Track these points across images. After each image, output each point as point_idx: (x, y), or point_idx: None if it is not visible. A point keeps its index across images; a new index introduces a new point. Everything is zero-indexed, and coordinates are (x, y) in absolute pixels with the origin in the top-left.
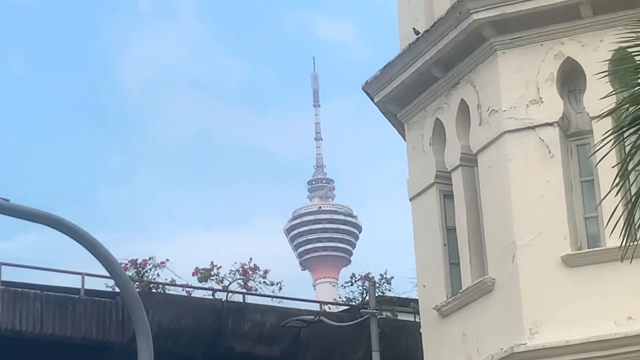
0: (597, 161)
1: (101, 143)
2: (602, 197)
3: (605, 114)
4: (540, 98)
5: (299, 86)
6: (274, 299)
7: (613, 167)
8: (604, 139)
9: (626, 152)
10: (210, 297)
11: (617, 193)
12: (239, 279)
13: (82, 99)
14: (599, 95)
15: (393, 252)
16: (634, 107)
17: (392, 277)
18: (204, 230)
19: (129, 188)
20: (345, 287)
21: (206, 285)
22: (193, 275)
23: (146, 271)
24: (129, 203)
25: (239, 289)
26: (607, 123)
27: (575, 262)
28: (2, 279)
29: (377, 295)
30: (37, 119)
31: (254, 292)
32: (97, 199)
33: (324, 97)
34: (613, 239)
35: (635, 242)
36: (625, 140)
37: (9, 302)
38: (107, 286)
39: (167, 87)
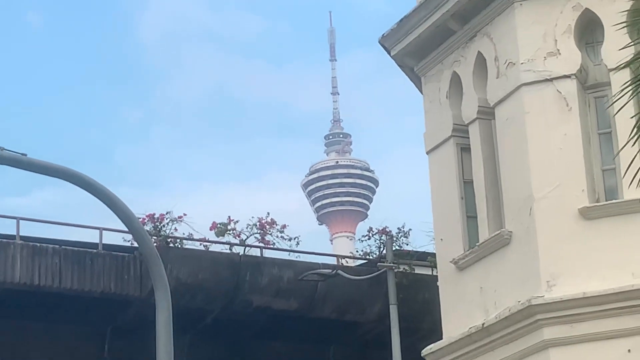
0: (615, 112)
1: (118, 99)
2: (620, 148)
3: (623, 65)
4: (558, 50)
5: (316, 40)
6: (292, 253)
7: (631, 117)
8: (622, 91)
9: None
10: (228, 251)
11: (635, 143)
12: (257, 233)
13: (99, 54)
14: (617, 47)
15: (410, 206)
16: None
17: (410, 230)
18: (220, 185)
19: (145, 144)
20: (362, 241)
21: (223, 240)
22: (210, 229)
23: (164, 226)
24: (145, 159)
25: (257, 244)
26: (625, 75)
27: (592, 214)
28: (20, 234)
29: (394, 249)
30: (54, 75)
31: (271, 246)
32: (114, 155)
33: (341, 51)
34: (631, 191)
35: None
36: None
37: (28, 257)
38: (125, 240)
39: (184, 42)
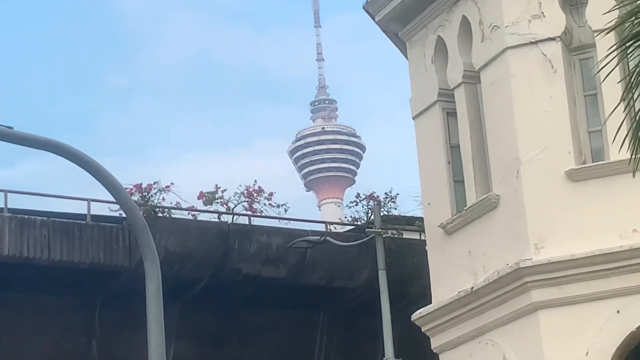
0: (602, 79)
1: (101, 66)
2: (606, 111)
3: (608, 29)
4: (542, 13)
5: (300, 3)
6: (280, 220)
7: (619, 82)
8: (608, 55)
9: (630, 66)
10: (216, 220)
11: (625, 108)
12: (244, 201)
13: (81, 21)
14: (601, 8)
15: (397, 171)
16: (638, 20)
17: (397, 194)
18: (206, 153)
19: (129, 112)
20: (350, 207)
21: (211, 209)
22: (198, 199)
23: (151, 196)
24: (128, 128)
25: (244, 212)
26: (610, 36)
27: (579, 176)
28: (8, 206)
29: (382, 214)
30: (35, 41)
31: (259, 214)
32: (98, 124)
33: (325, 15)
34: (617, 152)
35: None
36: (629, 54)
37: (16, 229)
38: (111, 210)
39: (167, 6)
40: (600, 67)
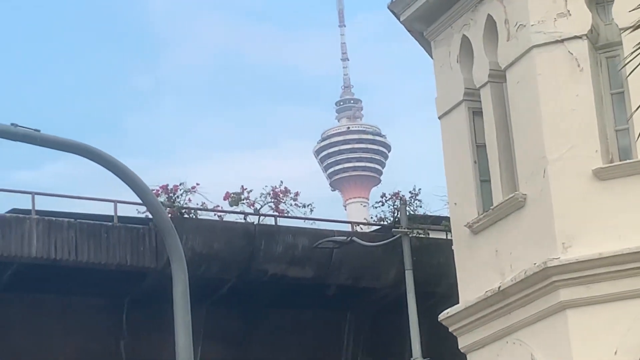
0: (628, 74)
1: (127, 67)
2: (633, 109)
3: (635, 26)
4: (568, 11)
5: (324, 3)
6: (306, 220)
7: None
8: (633, 52)
9: None
10: (242, 220)
11: None
12: (270, 202)
13: (109, 22)
14: (628, 6)
15: (423, 170)
16: None
17: (420, 189)
18: (232, 153)
19: (154, 113)
20: (376, 207)
21: (238, 209)
22: (224, 199)
23: (177, 197)
24: (155, 128)
25: (270, 212)
26: (637, 34)
27: (606, 175)
28: (36, 208)
29: (408, 214)
30: (62, 43)
31: (285, 214)
32: (124, 124)
33: (350, 14)
34: None
35: None
36: None
37: (44, 231)
38: (138, 212)
39: (193, 6)
40: (626, 63)
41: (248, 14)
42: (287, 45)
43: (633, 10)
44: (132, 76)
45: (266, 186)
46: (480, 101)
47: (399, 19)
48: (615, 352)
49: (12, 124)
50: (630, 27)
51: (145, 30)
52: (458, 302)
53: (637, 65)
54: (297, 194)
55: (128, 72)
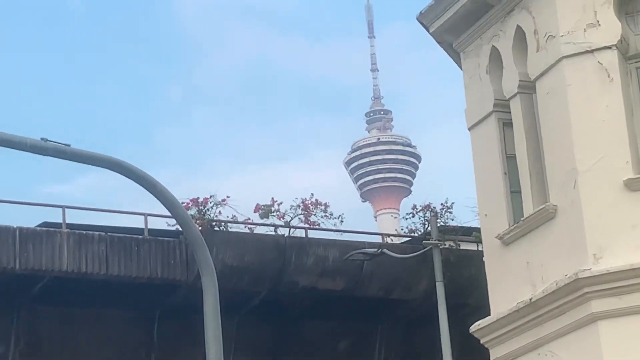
0: None
1: (159, 78)
2: None
3: None
4: (598, 21)
5: (354, 14)
6: (336, 232)
7: None
8: None
9: None
10: (273, 233)
11: None
12: (300, 214)
13: (139, 33)
14: None
15: (453, 181)
16: None
17: (453, 203)
18: (262, 165)
19: (186, 124)
20: (407, 218)
21: (268, 222)
22: (254, 212)
23: (208, 209)
24: (186, 140)
25: (301, 224)
26: None
27: (637, 185)
28: (66, 221)
29: (439, 225)
30: (94, 55)
31: (316, 226)
32: (156, 135)
33: (379, 25)
34: None
35: None
36: None
37: (75, 245)
38: (168, 225)
39: (223, 17)
40: None
41: (278, 24)
42: (317, 55)
43: None
44: (164, 86)
45: (296, 198)
46: (510, 112)
47: (428, 31)
48: None
49: (42, 139)
50: None
51: (176, 40)
52: (489, 314)
53: None
54: (326, 205)
55: (160, 82)
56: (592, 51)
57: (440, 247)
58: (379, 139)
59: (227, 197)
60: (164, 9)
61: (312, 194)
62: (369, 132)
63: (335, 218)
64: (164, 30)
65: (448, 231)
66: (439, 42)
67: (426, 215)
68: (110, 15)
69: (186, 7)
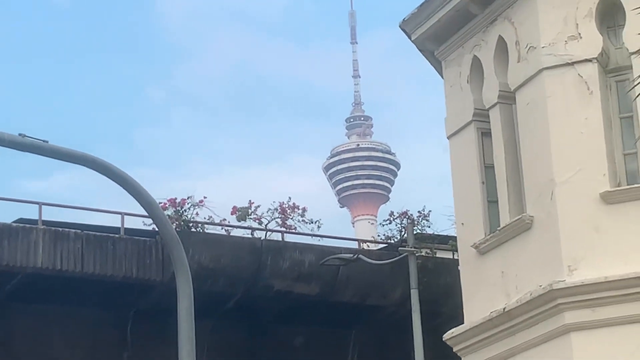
0: (636, 96)
1: (142, 78)
2: None
3: None
4: (579, 34)
5: (338, 19)
6: (313, 237)
7: None
8: None
9: None
10: (249, 235)
11: None
12: (278, 217)
13: (123, 34)
14: (638, 30)
15: (431, 189)
16: None
17: (430, 211)
18: (241, 168)
19: (166, 126)
20: (383, 225)
21: (245, 224)
22: (231, 214)
23: (185, 210)
24: (166, 141)
25: (278, 228)
26: None
27: (614, 198)
28: (43, 218)
29: (415, 232)
30: (76, 54)
31: (292, 230)
32: (136, 136)
33: (362, 31)
34: None
35: None
36: None
37: (50, 242)
38: (145, 224)
39: (208, 19)
40: (634, 85)
41: (262, 28)
42: (300, 60)
43: None
44: (146, 88)
45: (274, 202)
46: (489, 122)
47: (410, 38)
48: None
49: (20, 134)
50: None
51: (159, 41)
52: (463, 322)
53: None
54: (304, 209)
55: (141, 83)
56: (572, 63)
57: (416, 254)
58: (358, 145)
59: (205, 198)
60: (149, 10)
61: (290, 198)
62: (348, 137)
63: (312, 223)
64: (147, 32)
65: (424, 239)
66: (420, 50)
67: (403, 222)
68: (94, 15)
69: (172, 9)
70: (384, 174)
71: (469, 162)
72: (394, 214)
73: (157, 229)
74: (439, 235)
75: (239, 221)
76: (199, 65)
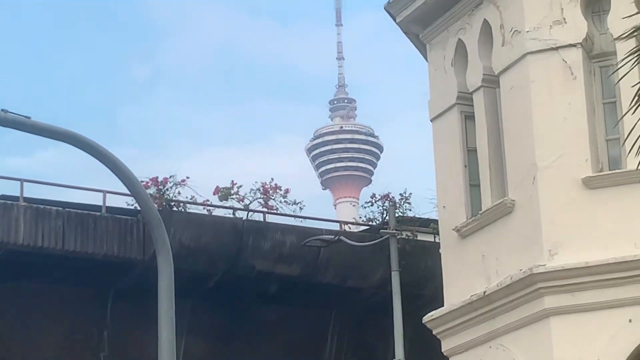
0: (617, 80)
1: (123, 57)
2: (625, 119)
3: (628, 34)
4: (564, 19)
5: (322, 1)
6: (295, 218)
7: (632, 86)
8: (625, 59)
9: None
10: (231, 216)
11: (635, 111)
12: (260, 198)
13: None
14: (622, 16)
15: (414, 172)
16: None
17: (411, 194)
18: (224, 148)
19: (149, 104)
20: (365, 207)
21: (227, 204)
22: (214, 194)
23: (167, 189)
24: (149, 120)
25: (260, 208)
26: (631, 43)
27: (596, 183)
28: (24, 195)
29: (397, 215)
30: (58, 32)
31: (274, 211)
32: (118, 114)
33: (347, 13)
34: (634, 161)
35: None
36: None
37: (31, 219)
38: (127, 204)
39: None
40: (617, 72)
41: (247, 8)
42: (284, 40)
43: (626, 17)
44: (129, 66)
45: (256, 182)
46: (473, 105)
47: (395, 20)
48: None
49: (2, 110)
50: (623, 36)
51: (143, 20)
52: (443, 305)
53: (628, 72)
54: (287, 191)
55: (125, 62)
56: (556, 48)
57: (397, 236)
58: (341, 127)
59: (187, 177)
60: None
61: (272, 179)
62: (332, 120)
63: (294, 204)
64: (131, 10)
65: (406, 221)
66: (405, 33)
67: (385, 204)
68: None
69: None
70: (366, 157)
71: (451, 145)
72: (376, 196)
73: (139, 208)
74: (420, 218)
75: (221, 201)
76: (183, 44)
